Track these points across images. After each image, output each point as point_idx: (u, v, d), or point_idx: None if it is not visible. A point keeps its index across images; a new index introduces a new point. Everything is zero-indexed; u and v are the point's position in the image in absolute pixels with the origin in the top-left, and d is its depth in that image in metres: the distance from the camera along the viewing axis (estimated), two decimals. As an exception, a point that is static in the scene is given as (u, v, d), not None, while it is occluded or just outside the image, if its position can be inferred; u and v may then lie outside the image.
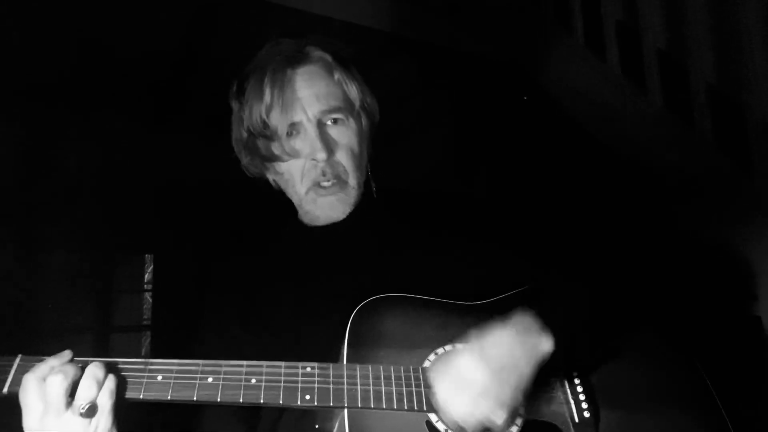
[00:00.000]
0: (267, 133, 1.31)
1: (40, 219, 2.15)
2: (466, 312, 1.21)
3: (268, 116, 1.30)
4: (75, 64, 2.19)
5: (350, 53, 1.43)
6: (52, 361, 1.04)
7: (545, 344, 1.11)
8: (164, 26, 2.28)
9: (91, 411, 1.01)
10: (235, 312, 1.37)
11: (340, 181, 1.32)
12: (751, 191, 1.96)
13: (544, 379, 1.14)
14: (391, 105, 1.52)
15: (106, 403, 1.02)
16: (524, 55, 2.98)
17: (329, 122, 1.32)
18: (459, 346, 1.12)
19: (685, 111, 2.19)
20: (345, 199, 1.33)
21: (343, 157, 1.32)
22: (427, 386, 1.09)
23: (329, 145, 1.30)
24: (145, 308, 2.59)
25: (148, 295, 2.58)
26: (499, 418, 1.04)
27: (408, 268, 1.29)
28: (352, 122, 1.34)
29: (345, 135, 1.33)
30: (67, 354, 1.06)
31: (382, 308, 1.18)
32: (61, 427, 1.02)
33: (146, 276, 2.59)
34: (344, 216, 1.34)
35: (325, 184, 1.31)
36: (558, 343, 1.12)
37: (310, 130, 1.30)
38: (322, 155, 1.28)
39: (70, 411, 1.02)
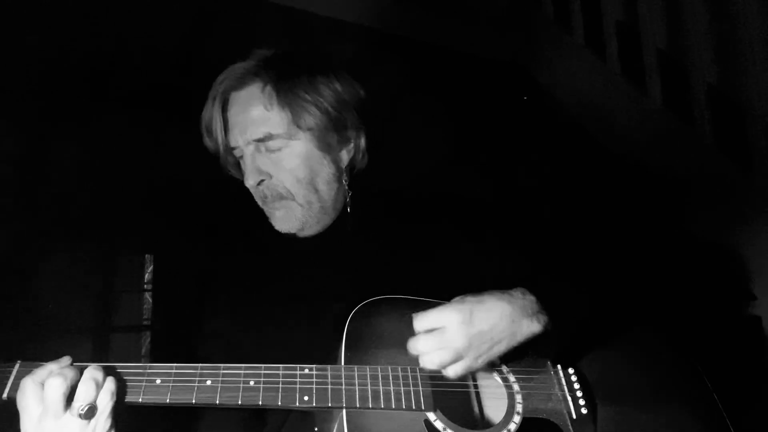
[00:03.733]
0: (215, 153, 1.40)
1: (40, 219, 2.15)
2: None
3: (209, 137, 1.38)
4: (74, 64, 2.19)
5: (340, 56, 1.43)
6: (50, 366, 1.05)
7: (533, 327, 1.13)
8: (165, 26, 2.29)
9: (90, 412, 1.02)
10: (233, 315, 1.38)
11: (285, 200, 1.34)
12: (751, 191, 1.96)
13: (530, 363, 1.19)
14: (389, 105, 1.51)
15: (105, 404, 1.03)
16: (524, 55, 2.98)
17: (263, 149, 1.33)
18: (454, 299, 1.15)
19: (685, 111, 2.19)
20: (292, 215, 1.35)
21: (285, 180, 1.33)
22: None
23: (260, 172, 1.33)
24: (145, 308, 2.59)
25: (148, 295, 2.58)
26: (452, 373, 1.11)
27: (405, 270, 1.30)
28: (296, 147, 1.33)
29: (285, 159, 1.33)
30: (66, 359, 1.07)
31: (378, 310, 1.19)
32: (59, 430, 1.02)
33: (146, 276, 2.59)
34: (300, 226, 1.36)
35: (275, 204, 1.35)
36: (550, 330, 1.14)
37: (246, 156, 1.34)
38: (248, 182, 1.34)
39: (68, 413, 1.02)
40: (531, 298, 1.15)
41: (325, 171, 1.36)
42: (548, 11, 2.82)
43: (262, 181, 1.34)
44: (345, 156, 1.40)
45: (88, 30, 2.20)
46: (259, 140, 1.32)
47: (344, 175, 1.40)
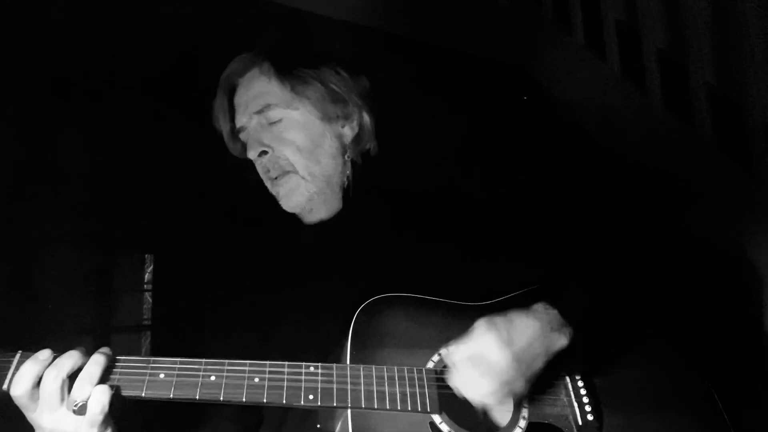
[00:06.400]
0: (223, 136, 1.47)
1: (40, 219, 2.14)
2: (470, 312, 1.21)
3: (217, 122, 1.45)
4: (75, 63, 2.18)
5: (340, 51, 1.46)
6: (32, 368, 1.02)
7: (561, 341, 1.12)
8: (165, 25, 2.28)
9: (83, 409, 1.01)
10: (236, 312, 1.37)
11: (288, 173, 1.37)
12: (751, 191, 1.96)
13: (550, 376, 1.16)
14: (389, 105, 1.52)
15: (99, 401, 1.01)
16: (524, 55, 2.98)
17: (265, 121, 1.37)
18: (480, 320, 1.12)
19: (685, 111, 2.19)
20: (296, 190, 1.37)
21: (286, 151, 1.36)
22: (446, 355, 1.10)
23: (261, 144, 1.36)
24: (145, 308, 2.58)
25: (148, 295, 2.58)
26: (504, 404, 1.09)
27: (409, 268, 1.30)
28: (296, 117, 1.37)
29: (286, 130, 1.36)
30: (46, 352, 1.04)
31: (385, 308, 1.18)
32: (55, 422, 1.02)
33: (146, 276, 2.58)
34: (306, 201, 1.38)
35: (279, 179, 1.38)
36: (573, 342, 1.13)
37: (249, 131, 1.39)
38: (250, 154, 1.38)
39: (64, 406, 1.01)
40: (554, 312, 1.14)
41: (327, 143, 1.39)
42: (548, 11, 2.82)
43: (264, 153, 1.37)
44: (348, 132, 1.43)
45: (88, 29, 2.19)
46: (259, 111, 1.37)
47: (348, 151, 1.42)
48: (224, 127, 1.44)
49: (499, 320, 1.10)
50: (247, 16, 2.40)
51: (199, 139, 1.58)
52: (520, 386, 1.08)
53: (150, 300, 2.57)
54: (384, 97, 1.51)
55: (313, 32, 2.49)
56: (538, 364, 1.10)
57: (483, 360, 1.05)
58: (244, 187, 1.51)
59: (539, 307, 1.15)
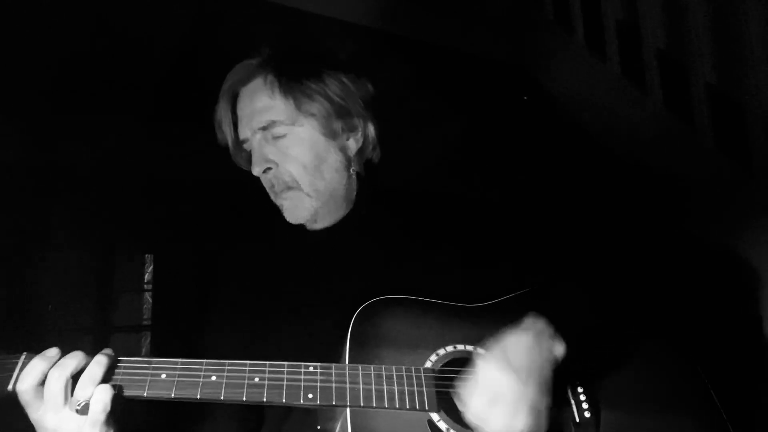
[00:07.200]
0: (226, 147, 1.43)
1: (41, 219, 2.15)
2: (467, 314, 1.22)
3: (220, 131, 1.42)
4: (75, 63, 2.19)
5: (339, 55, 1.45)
6: (36, 363, 1.03)
7: (558, 348, 1.12)
8: (165, 25, 2.28)
9: (85, 409, 1.02)
10: (236, 313, 1.38)
11: (291, 190, 1.35)
12: (751, 191, 1.96)
13: (558, 385, 1.14)
14: (390, 106, 1.52)
15: (101, 400, 1.02)
16: (524, 55, 2.98)
17: (269, 136, 1.35)
18: (470, 348, 1.13)
19: (685, 111, 2.19)
20: (300, 205, 1.36)
21: (291, 167, 1.34)
22: (459, 403, 1.07)
23: (266, 160, 1.34)
24: (145, 308, 2.59)
25: (148, 295, 2.58)
26: (537, 424, 1.04)
27: (408, 269, 1.30)
28: (301, 133, 1.35)
29: (291, 146, 1.34)
30: (53, 350, 1.05)
31: (383, 309, 1.19)
32: (58, 422, 1.02)
33: (146, 276, 2.59)
34: (310, 216, 1.37)
35: (283, 194, 1.36)
36: (569, 348, 1.13)
37: (254, 145, 1.37)
38: (255, 170, 1.36)
39: (68, 406, 1.02)
40: (541, 322, 1.13)
41: (332, 158, 1.38)
42: (548, 11, 2.82)
43: (269, 169, 1.35)
44: (353, 144, 1.41)
45: (89, 30, 2.19)
46: (264, 128, 1.35)
47: (353, 164, 1.41)
48: (228, 137, 1.41)
49: (491, 346, 1.09)
50: (247, 16, 2.40)
51: (200, 139, 1.58)
52: (541, 399, 1.06)
53: (150, 300, 2.57)
54: (384, 98, 1.51)
55: (314, 33, 2.49)
56: (547, 372, 1.08)
57: (498, 395, 1.03)
58: (245, 187, 1.50)
59: (527, 320, 1.14)
